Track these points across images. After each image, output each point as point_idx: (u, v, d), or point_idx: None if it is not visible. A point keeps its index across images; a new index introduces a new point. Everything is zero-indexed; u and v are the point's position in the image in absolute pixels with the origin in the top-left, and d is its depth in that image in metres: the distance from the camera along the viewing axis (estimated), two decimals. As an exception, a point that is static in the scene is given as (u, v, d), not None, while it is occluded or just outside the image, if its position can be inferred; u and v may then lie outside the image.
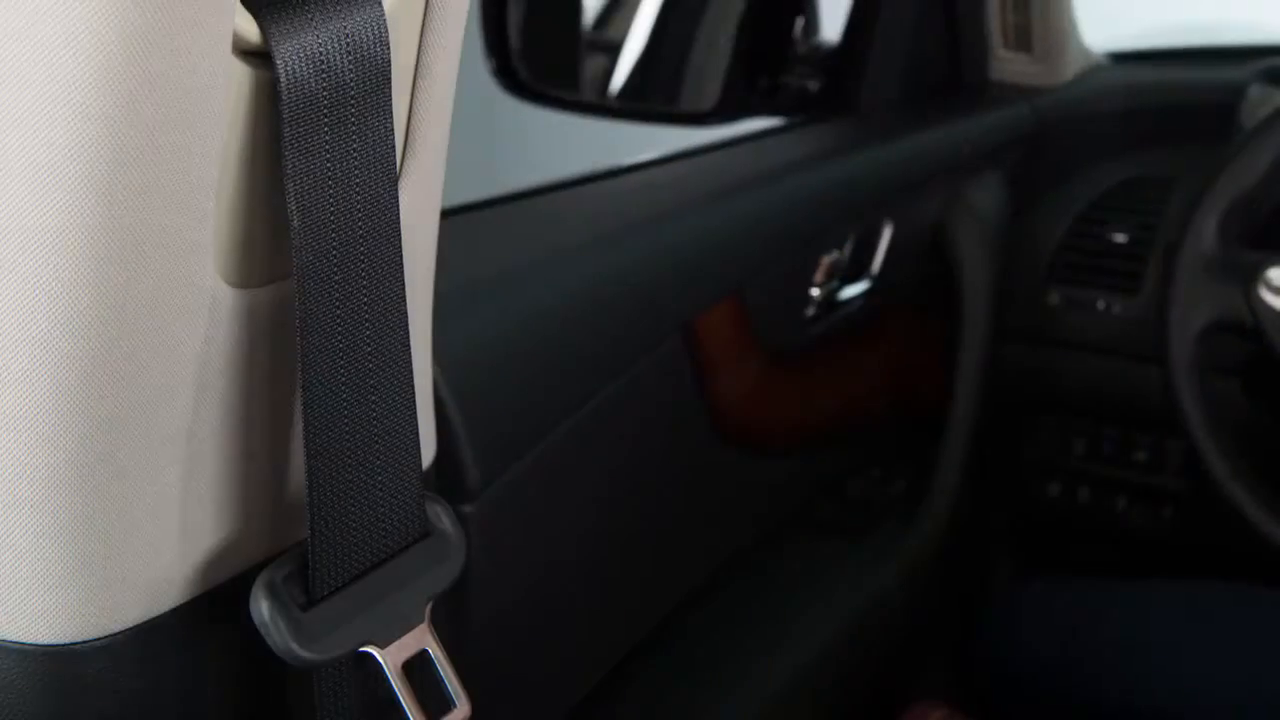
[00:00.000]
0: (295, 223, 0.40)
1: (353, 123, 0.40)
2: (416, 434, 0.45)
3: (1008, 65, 1.25)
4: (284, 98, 0.38)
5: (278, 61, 0.38)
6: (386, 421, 0.44)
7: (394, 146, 0.42)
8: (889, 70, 1.12)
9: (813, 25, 1.12)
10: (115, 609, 0.40)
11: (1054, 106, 1.23)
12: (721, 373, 0.85)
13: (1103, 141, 1.24)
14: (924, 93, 1.17)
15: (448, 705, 0.46)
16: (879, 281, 1.02)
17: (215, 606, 0.43)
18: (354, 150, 0.41)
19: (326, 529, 0.43)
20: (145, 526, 0.40)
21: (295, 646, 0.41)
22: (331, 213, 0.40)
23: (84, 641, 0.39)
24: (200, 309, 0.39)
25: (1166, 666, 0.92)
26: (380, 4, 0.40)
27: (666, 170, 0.91)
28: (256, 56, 0.39)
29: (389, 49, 0.41)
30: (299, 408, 0.42)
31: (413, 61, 0.45)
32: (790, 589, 0.96)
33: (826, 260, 0.95)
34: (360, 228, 0.41)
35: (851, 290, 0.99)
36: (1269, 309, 0.95)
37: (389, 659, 0.44)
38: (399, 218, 0.43)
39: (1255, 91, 1.16)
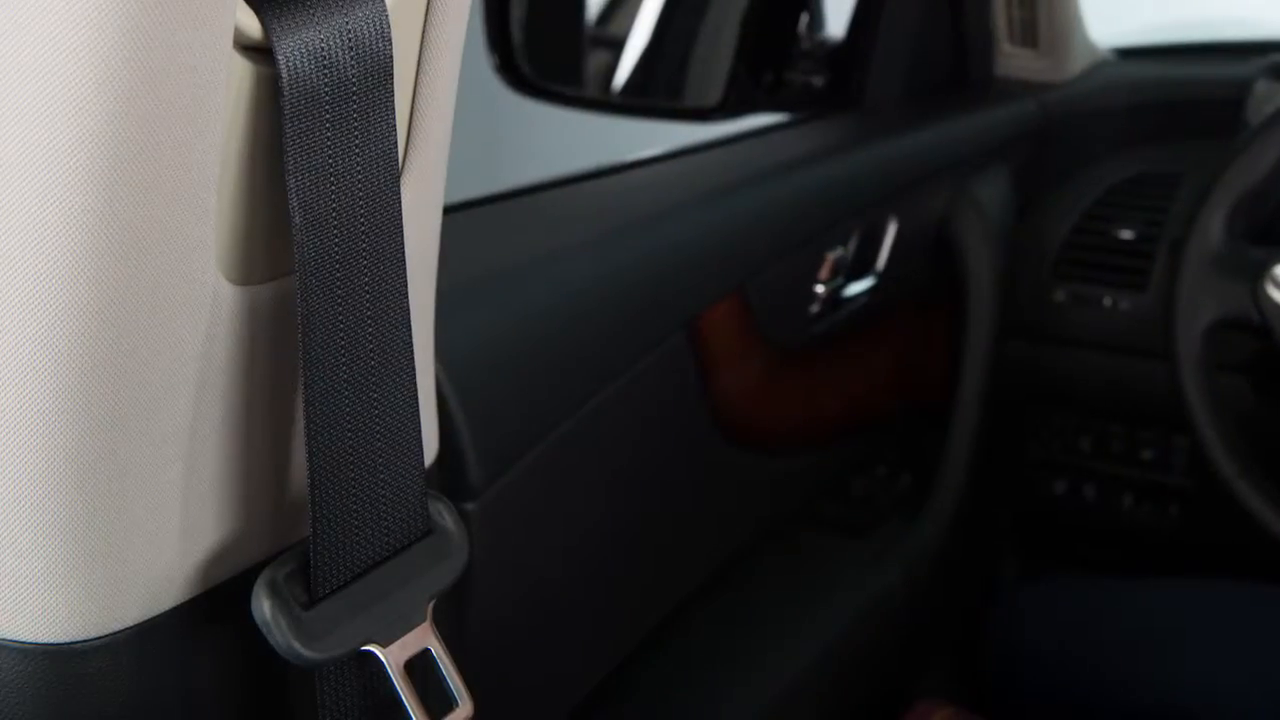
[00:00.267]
0: (297, 219, 0.39)
1: (354, 119, 0.40)
2: (419, 431, 0.45)
3: (1013, 61, 1.25)
4: (285, 93, 0.38)
5: (279, 57, 0.38)
6: (388, 419, 0.44)
7: (396, 143, 0.42)
8: (894, 66, 1.11)
9: (817, 20, 1.11)
10: (116, 608, 0.40)
11: (1060, 102, 1.22)
12: (725, 370, 0.85)
13: (1109, 137, 1.23)
14: (929, 89, 1.17)
15: (450, 704, 0.46)
16: (884, 278, 1.01)
17: (216, 605, 0.43)
18: (356, 146, 0.41)
19: (328, 527, 0.42)
20: (146, 525, 0.40)
21: (297, 645, 0.41)
22: (333, 209, 0.40)
23: (85, 640, 0.39)
24: (201, 306, 0.39)
25: (1172, 665, 0.91)
26: None
27: (670, 166, 0.90)
28: (258, 52, 0.39)
29: (391, 44, 0.41)
30: (300, 405, 0.42)
31: (415, 57, 0.44)
32: (793, 587, 0.96)
33: (831, 257, 0.95)
34: (362, 224, 0.41)
35: (856, 287, 0.99)
36: (1276, 305, 0.95)
37: (391, 658, 0.44)
38: (401, 214, 0.43)
39: (1261, 87, 1.15)
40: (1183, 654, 0.92)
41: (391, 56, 0.41)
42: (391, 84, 0.41)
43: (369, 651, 0.44)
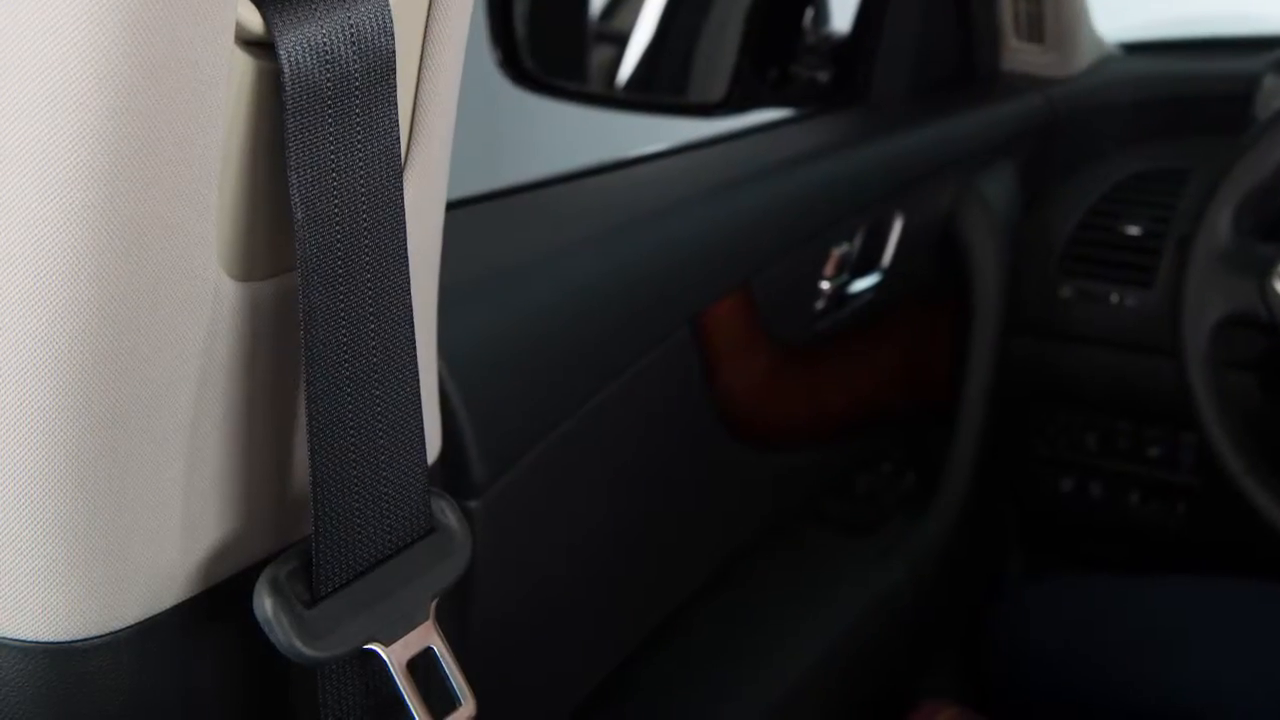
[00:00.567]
0: (298, 215, 0.39)
1: (357, 114, 0.40)
2: (421, 429, 0.45)
3: (1020, 56, 1.24)
4: (287, 89, 0.38)
5: (281, 52, 0.38)
6: (391, 416, 0.43)
7: (398, 138, 0.42)
8: (899, 61, 1.11)
9: (822, 15, 1.11)
10: (117, 606, 0.39)
11: (1066, 98, 1.22)
12: (729, 367, 0.84)
13: (1115, 133, 1.23)
14: (934, 84, 1.16)
15: (453, 703, 0.46)
16: (889, 274, 1.01)
17: (218, 603, 0.43)
18: (358, 142, 0.40)
19: (330, 525, 0.42)
20: (147, 522, 0.39)
21: (299, 644, 0.41)
22: (335, 205, 0.40)
23: (85, 639, 0.39)
24: (203, 302, 0.39)
25: (1178, 663, 0.91)
26: None
27: (674, 162, 0.90)
28: (259, 47, 0.39)
29: (393, 39, 0.40)
30: (302, 403, 0.41)
31: (417, 52, 0.44)
32: (798, 585, 0.96)
33: (836, 253, 0.95)
34: (364, 220, 0.41)
35: (861, 283, 0.99)
36: None
37: (393, 656, 0.44)
38: (403, 210, 0.42)
39: (1270, 82, 1.15)
40: (1188, 653, 0.92)
41: (394, 51, 0.40)
42: (394, 79, 0.41)
43: (371, 650, 0.44)
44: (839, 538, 1.02)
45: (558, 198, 0.81)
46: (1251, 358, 1.08)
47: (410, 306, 0.43)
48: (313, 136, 0.39)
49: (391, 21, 0.40)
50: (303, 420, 0.42)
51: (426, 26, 0.44)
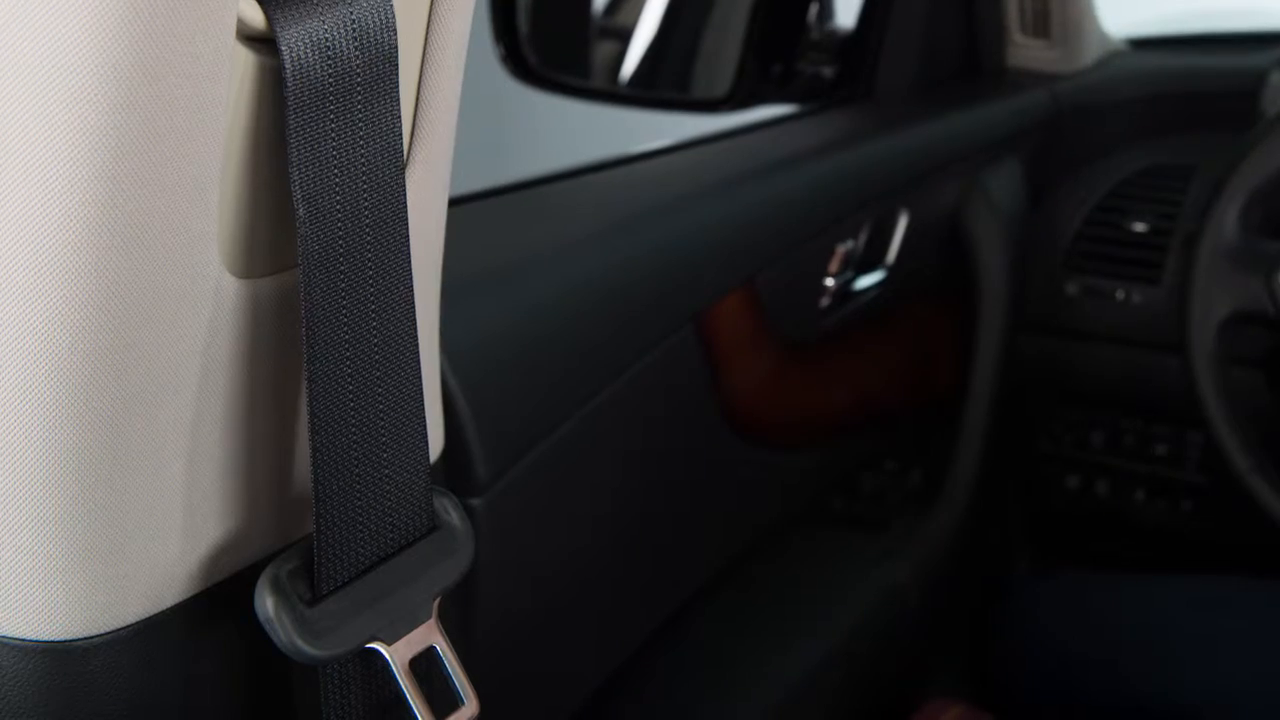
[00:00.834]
0: (300, 212, 0.39)
1: (359, 110, 0.40)
2: (424, 426, 0.45)
3: (1025, 51, 1.23)
4: (289, 85, 0.38)
5: (282, 48, 0.37)
6: (393, 414, 0.43)
7: (401, 134, 0.41)
8: (904, 57, 1.11)
9: (827, 11, 1.11)
10: (117, 605, 0.39)
11: (1072, 93, 1.21)
12: (734, 364, 0.84)
13: (1122, 129, 1.22)
14: (940, 79, 1.16)
15: (455, 703, 0.46)
16: (894, 271, 1.01)
17: (219, 602, 0.42)
18: (360, 138, 0.40)
19: (332, 523, 0.42)
20: (148, 520, 0.39)
21: (300, 643, 0.41)
22: (337, 201, 0.40)
23: (86, 638, 0.39)
24: (204, 299, 0.39)
25: (1185, 662, 0.91)
26: None
27: (678, 158, 0.90)
28: (261, 43, 0.38)
29: (396, 34, 0.40)
30: (304, 400, 0.41)
31: (420, 48, 0.44)
32: (803, 584, 0.95)
33: (841, 250, 0.94)
34: (367, 217, 0.41)
35: (866, 280, 0.98)
36: None
37: (396, 656, 0.44)
38: (406, 206, 0.42)
39: (1276, 78, 1.14)
40: (1194, 651, 0.92)
41: (396, 47, 0.40)
42: (396, 75, 0.41)
43: (373, 649, 0.43)
44: (844, 536, 1.02)
45: (561, 194, 0.80)
46: (1258, 355, 1.07)
47: (413, 303, 0.43)
48: (315, 133, 0.39)
49: (394, 17, 0.40)
50: (304, 418, 0.42)
51: (429, 22, 0.44)
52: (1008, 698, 1.00)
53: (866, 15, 1.09)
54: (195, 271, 0.38)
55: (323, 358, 0.41)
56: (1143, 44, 1.32)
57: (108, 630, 0.39)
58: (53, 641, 0.38)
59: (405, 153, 0.44)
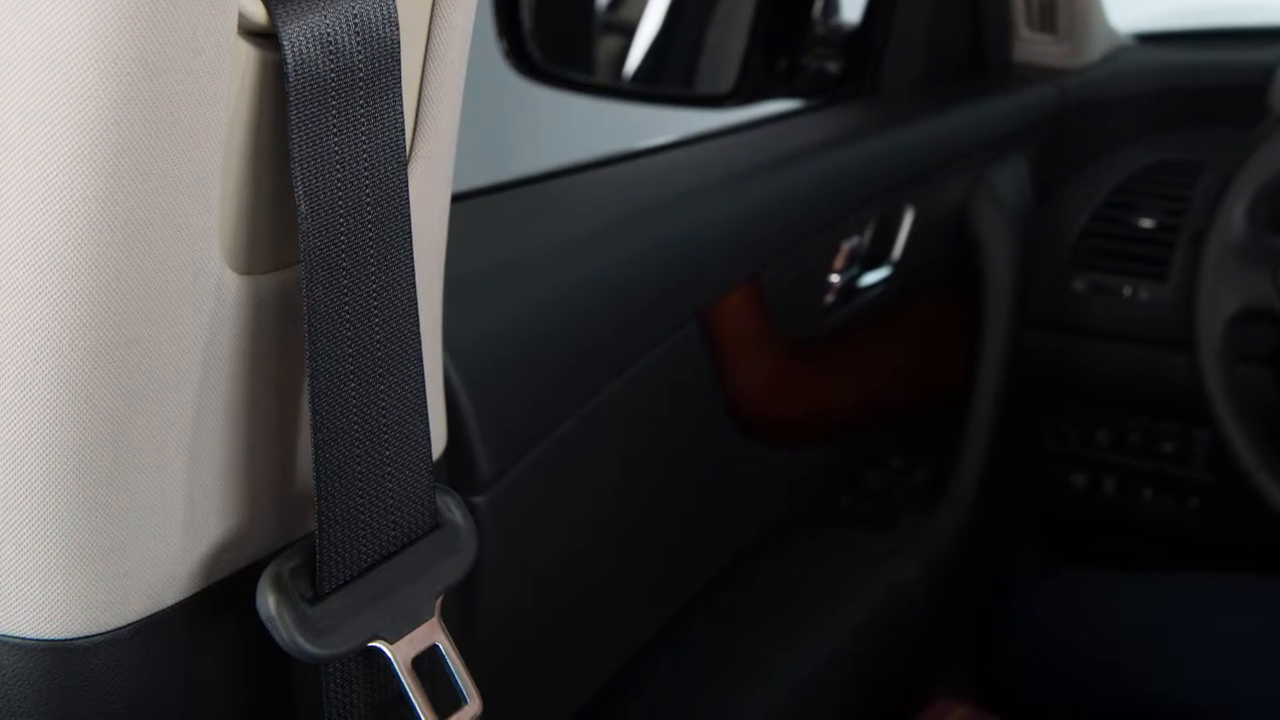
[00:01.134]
0: (302, 208, 0.39)
1: (361, 105, 0.40)
2: (426, 424, 0.44)
3: (1032, 46, 1.23)
4: (291, 80, 0.37)
5: (284, 42, 0.37)
6: (396, 411, 0.43)
7: (403, 129, 0.41)
8: (910, 52, 1.10)
9: (832, 6, 1.10)
10: (118, 603, 0.39)
11: (1079, 88, 1.21)
12: (739, 361, 0.84)
13: (1129, 124, 1.22)
14: (946, 75, 1.15)
15: (458, 702, 0.45)
16: (900, 268, 1.00)
17: (220, 601, 0.42)
18: (362, 133, 0.40)
19: (334, 521, 0.42)
20: (149, 518, 0.39)
21: (302, 642, 0.41)
22: (339, 197, 0.40)
23: (86, 637, 0.39)
24: (205, 296, 0.38)
25: (1191, 661, 0.90)
26: None
27: (682, 154, 0.89)
28: (262, 38, 0.38)
29: (398, 29, 0.40)
30: (306, 397, 0.41)
31: (423, 42, 0.44)
32: (808, 582, 0.95)
33: (846, 246, 0.94)
34: (369, 213, 0.41)
35: (872, 277, 0.98)
36: None
37: (398, 654, 0.43)
38: (408, 202, 0.42)
39: (1284, 73, 1.14)
40: (1201, 650, 0.91)
41: (399, 42, 0.40)
42: (399, 70, 0.40)
43: (376, 648, 0.43)
44: (849, 534, 1.01)
45: (564, 190, 0.80)
46: (1266, 352, 1.07)
47: (415, 300, 0.43)
48: (316, 128, 0.39)
49: (396, 11, 0.40)
50: (306, 415, 0.42)
51: (431, 16, 0.44)
52: (1013, 697, 1.00)
53: (872, 10, 1.09)
54: (196, 268, 0.38)
55: (325, 355, 0.40)
56: (1150, 39, 1.31)
57: (108, 629, 0.39)
58: (53, 640, 0.38)
59: (408, 148, 0.44)
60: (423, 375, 0.44)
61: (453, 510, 0.47)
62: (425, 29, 0.44)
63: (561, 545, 0.69)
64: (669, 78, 1.07)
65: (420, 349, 0.44)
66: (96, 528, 0.38)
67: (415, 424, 0.44)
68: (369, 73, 0.39)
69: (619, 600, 0.76)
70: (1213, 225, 0.97)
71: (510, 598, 0.63)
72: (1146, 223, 1.15)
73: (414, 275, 0.43)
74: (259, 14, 0.37)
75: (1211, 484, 1.16)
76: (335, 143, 0.39)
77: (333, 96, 0.39)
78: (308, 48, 0.38)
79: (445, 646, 0.45)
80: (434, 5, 0.43)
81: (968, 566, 1.11)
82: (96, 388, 0.36)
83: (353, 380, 0.41)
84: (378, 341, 0.42)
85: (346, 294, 0.40)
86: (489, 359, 0.62)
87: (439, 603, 0.45)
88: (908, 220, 1.00)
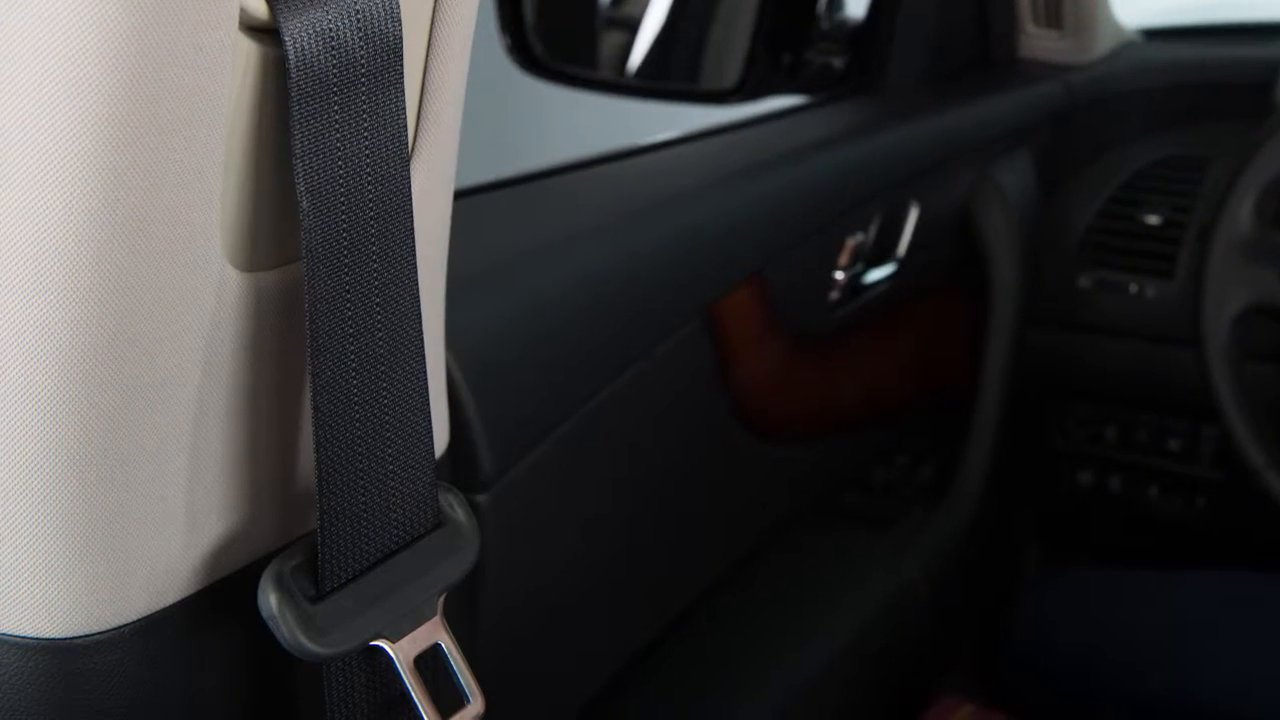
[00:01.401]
0: (304, 204, 0.39)
1: (363, 101, 0.39)
2: (429, 421, 0.44)
3: (1037, 42, 1.23)
4: (293, 75, 0.37)
5: (286, 38, 0.37)
6: (398, 408, 0.43)
7: (405, 125, 0.41)
8: (915, 47, 1.10)
9: (837, 0, 1.10)
10: (118, 602, 0.39)
11: (1085, 84, 1.20)
12: (743, 358, 0.84)
13: (1135, 120, 1.21)
14: (951, 70, 1.15)
15: (461, 701, 0.45)
16: (905, 264, 1.00)
17: (222, 599, 0.42)
18: (364, 129, 0.40)
19: (336, 519, 0.42)
20: (150, 516, 0.39)
21: (304, 640, 0.40)
22: (341, 194, 0.39)
23: (86, 635, 0.38)
24: (207, 293, 0.38)
25: (1199, 659, 0.90)
26: None
27: (686, 150, 0.89)
28: (264, 33, 0.38)
29: (400, 25, 0.40)
30: (308, 395, 0.41)
31: (425, 38, 0.43)
32: (813, 580, 0.95)
33: (851, 242, 0.93)
34: (371, 209, 0.40)
35: (877, 273, 0.98)
36: None
37: (401, 653, 0.43)
38: (411, 198, 0.42)
39: (1292, 69, 1.13)
40: (1208, 649, 0.91)
41: (401, 37, 0.40)
42: (401, 65, 0.40)
43: (378, 647, 0.43)
44: (855, 532, 1.01)
45: (568, 186, 0.80)
46: (1273, 348, 1.06)
47: (417, 297, 0.43)
48: (318, 124, 0.38)
49: (398, 7, 0.39)
50: (308, 413, 0.42)
51: (434, 12, 0.43)
52: (1019, 695, 0.99)
53: (877, 5, 1.08)
54: (198, 264, 0.38)
55: (326, 352, 0.40)
56: (1156, 34, 1.31)
57: (109, 628, 0.39)
58: (53, 639, 0.38)
59: (410, 145, 0.44)
60: (425, 372, 0.44)
61: (455, 508, 0.46)
62: (428, 24, 0.43)
63: (565, 543, 0.68)
64: (673, 73, 1.07)
65: (423, 346, 0.43)
66: (97, 526, 0.38)
67: (417, 421, 0.44)
68: (371, 68, 0.39)
69: (622, 598, 0.76)
70: (1219, 221, 0.97)
71: (513, 596, 0.63)
72: (1153, 219, 1.15)
73: (416, 272, 0.42)
74: (261, 9, 0.37)
75: (1219, 481, 1.15)
76: (337, 139, 0.39)
77: (335, 92, 0.38)
78: (310, 43, 0.37)
79: (448, 645, 0.45)
80: (436, 1, 0.43)
81: (973, 564, 1.10)
82: (97, 385, 0.36)
83: (355, 377, 0.41)
84: (380, 338, 0.42)
85: (348, 291, 0.40)
86: (492, 356, 0.62)
87: (441, 601, 0.45)
88: (913, 217, 1.00)
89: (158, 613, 0.40)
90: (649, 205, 0.77)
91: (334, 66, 0.38)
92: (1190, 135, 1.19)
